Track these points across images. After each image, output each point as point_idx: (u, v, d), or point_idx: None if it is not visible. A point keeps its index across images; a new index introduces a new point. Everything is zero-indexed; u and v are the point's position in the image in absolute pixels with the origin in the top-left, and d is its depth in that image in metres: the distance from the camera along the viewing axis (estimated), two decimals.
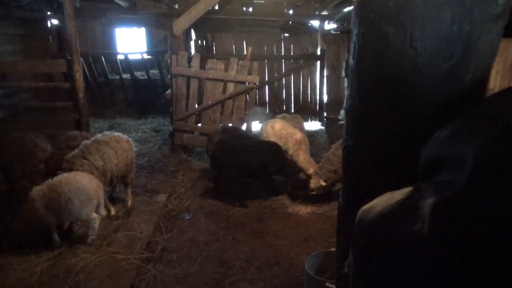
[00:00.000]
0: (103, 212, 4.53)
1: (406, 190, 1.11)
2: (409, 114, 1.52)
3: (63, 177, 4.20)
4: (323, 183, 5.58)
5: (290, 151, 6.28)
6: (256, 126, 8.31)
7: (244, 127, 7.65)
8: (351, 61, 1.67)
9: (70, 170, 4.43)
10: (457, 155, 1.03)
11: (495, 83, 5.02)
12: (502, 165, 0.90)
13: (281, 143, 6.23)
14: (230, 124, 7.49)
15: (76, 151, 4.70)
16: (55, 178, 4.21)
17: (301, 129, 7.31)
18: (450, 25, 1.38)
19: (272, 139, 6.34)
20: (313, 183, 5.75)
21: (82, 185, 4.15)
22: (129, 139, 5.29)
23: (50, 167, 4.61)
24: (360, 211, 1.19)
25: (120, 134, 5.23)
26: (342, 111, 9.80)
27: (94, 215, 4.31)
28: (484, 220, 0.88)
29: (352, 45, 1.65)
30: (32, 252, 4.12)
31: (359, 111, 1.67)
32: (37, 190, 4.11)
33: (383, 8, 1.47)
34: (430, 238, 0.91)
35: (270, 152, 5.67)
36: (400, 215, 1.03)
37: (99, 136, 4.97)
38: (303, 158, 6.16)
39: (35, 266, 3.90)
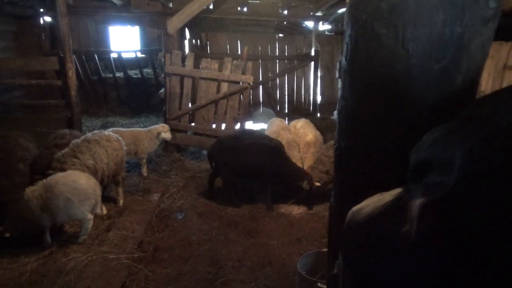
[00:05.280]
0: (99, 211, 4.50)
1: (396, 191, 1.11)
2: (400, 115, 1.52)
3: (59, 177, 4.14)
4: (318, 183, 5.57)
5: (300, 153, 6.31)
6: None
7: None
8: (343, 61, 1.67)
9: (61, 169, 4.38)
10: (446, 157, 1.03)
11: (486, 86, 5.05)
12: (490, 168, 0.90)
13: (296, 142, 6.37)
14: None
15: (66, 150, 4.65)
16: (49, 178, 4.14)
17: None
18: (442, 27, 1.38)
19: (290, 136, 6.54)
20: (305, 184, 5.75)
21: (80, 184, 4.11)
22: (120, 137, 5.26)
23: (38, 167, 4.55)
24: (349, 212, 1.19)
25: (110, 133, 5.19)
26: (335, 112, 9.84)
27: (90, 215, 4.28)
28: (472, 221, 0.88)
29: (345, 45, 1.65)
30: (22, 252, 4.08)
31: (352, 111, 1.67)
32: (31, 191, 4.03)
33: (376, 9, 1.47)
34: (418, 240, 0.91)
35: (266, 153, 5.58)
36: (389, 216, 1.03)
37: (89, 135, 4.93)
38: (307, 162, 6.14)
39: (25, 266, 3.87)
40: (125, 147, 5.33)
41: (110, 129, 6.23)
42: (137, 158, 6.51)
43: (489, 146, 0.95)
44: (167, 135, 6.72)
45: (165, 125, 6.87)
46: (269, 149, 5.60)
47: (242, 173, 5.72)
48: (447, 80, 1.45)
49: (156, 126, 6.77)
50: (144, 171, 6.54)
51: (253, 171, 5.63)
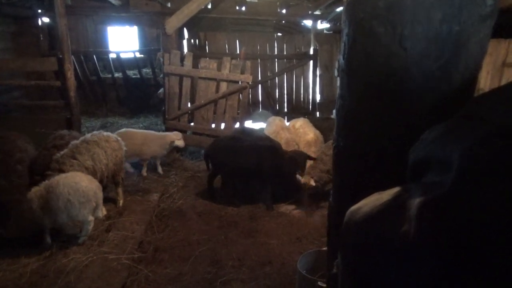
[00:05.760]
0: (100, 214, 4.48)
1: (394, 190, 1.11)
2: (398, 114, 1.52)
3: (62, 178, 4.13)
4: (313, 183, 5.55)
5: None
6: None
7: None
8: (341, 60, 1.67)
9: (60, 170, 4.38)
10: (445, 157, 1.03)
11: (485, 84, 5.05)
12: (488, 167, 0.90)
13: (295, 141, 6.34)
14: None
15: (65, 150, 4.65)
16: (52, 179, 4.14)
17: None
18: (440, 25, 1.38)
19: (288, 135, 6.48)
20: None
21: (82, 186, 4.10)
22: (119, 138, 5.26)
23: (37, 167, 4.54)
24: (348, 212, 1.19)
25: (109, 133, 5.19)
26: (334, 111, 9.81)
27: (91, 217, 4.28)
28: (470, 221, 0.88)
29: (342, 44, 1.65)
30: (22, 253, 4.07)
31: (350, 110, 1.67)
32: (34, 191, 4.03)
33: (373, 8, 1.47)
34: (416, 239, 0.91)
35: (265, 153, 5.51)
36: (388, 216, 1.03)
37: (88, 136, 4.93)
38: (309, 162, 6.11)
39: (25, 267, 3.86)
40: (124, 148, 5.33)
41: (123, 129, 6.34)
42: (141, 159, 6.58)
43: (487, 145, 0.95)
44: (180, 142, 6.76)
45: (178, 133, 6.91)
46: (267, 150, 5.56)
47: (241, 173, 5.69)
48: (445, 78, 1.45)
49: (169, 133, 6.83)
50: (144, 171, 6.57)
51: (251, 172, 5.59)
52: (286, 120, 8.26)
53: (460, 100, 1.41)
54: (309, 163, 6.01)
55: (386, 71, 1.49)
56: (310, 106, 10.19)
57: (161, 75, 8.14)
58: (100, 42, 12.22)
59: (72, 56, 6.89)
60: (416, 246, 0.92)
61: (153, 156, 6.62)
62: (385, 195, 1.10)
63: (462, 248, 0.88)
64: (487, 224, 0.87)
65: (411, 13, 1.40)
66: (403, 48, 1.43)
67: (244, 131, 6.36)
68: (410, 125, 1.49)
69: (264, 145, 5.62)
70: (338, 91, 1.77)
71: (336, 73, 9.70)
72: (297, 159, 5.49)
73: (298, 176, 5.55)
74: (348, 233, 1.14)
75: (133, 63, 11.67)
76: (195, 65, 7.72)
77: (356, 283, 1.09)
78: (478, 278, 0.88)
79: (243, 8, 8.77)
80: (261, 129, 7.48)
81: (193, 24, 8.99)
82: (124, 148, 5.33)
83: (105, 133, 5.12)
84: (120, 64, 11.29)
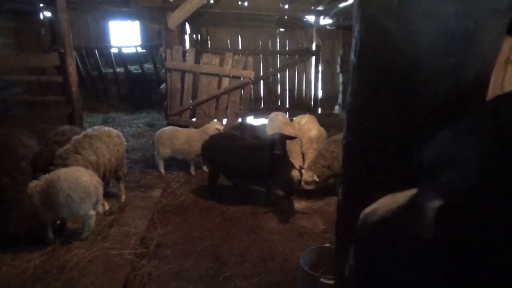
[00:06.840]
0: (100, 209, 4.48)
1: (410, 193, 1.09)
2: (410, 112, 1.49)
3: (62, 172, 4.12)
4: (316, 178, 5.55)
5: (303, 148, 6.30)
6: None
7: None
8: (352, 57, 1.64)
9: (63, 165, 4.37)
10: (459, 156, 1.01)
11: None
12: (504, 167, 0.88)
13: (299, 137, 6.31)
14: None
15: (68, 146, 4.64)
16: (52, 174, 4.13)
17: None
18: (453, 21, 1.35)
19: (293, 131, 6.44)
20: (306, 178, 5.72)
21: (83, 182, 4.10)
22: (120, 133, 5.25)
23: (39, 163, 4.53)
24: (362, 214, 1.17)
25: (110, 128, 5.18)
26: (336, 107, 9.81)
27: (92, 212, 4.27)
28: (488, 221, 0.86)
29: (354, 41, 1.62)
30: (25, 248, 4.08)
31: (360, 108, 1.65)
32: (34, 186, 4.03)
33: (385, 3, 1.44)
34: (434, 241, 0.90)
35: (258, 153, 5.32)
36: (404, 218, 1.01)
37: (89, 130, 4.92)
38: (309, 158, 6.10)
39: (28, 262, 3.87)
40: (125, 143, 5.32)
41: (167, 128, 6.46)
42: (188, 159, 6.58)
43: (502, 145, 0.93)
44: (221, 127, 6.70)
45: (216, 121, 6.87)
46: (258, 149, 5.37)
47: (237, 173, 5.61)
48: (458, 75, 1.42)
49: (209, 124, 6.72)
50: (192, 170, 6.62)
51: (246, 172, 5.47)
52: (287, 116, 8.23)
53: (473, 98, 1.39)
54: (294, 144, 5.94)
55: (397, 68, 1.46)
56: (312, 102, 10.17)
57: (163, 71, 8.11)
58: (101, 37, 12.17)
59: (74, 51, 6.85)
60: (434, 248, 0.90)
61: (198, 154, 6.49)
62: (401, 197, 1.09)
63: (480, 248, 0.87)
64: (504, 223, 0.85)
65: (424, 8, 1.37)
66: (415, 44, 1.40)
67: (241, 128, 6.32)
68: (421, 123, 1.47)
69: (258, 145, 5.43)
70: (348, 88, 1.74)
71: (338, 69, 9.69)
72: (275, 141, 5.32)
73: (296, 171, 5.52)
74: (363, 236, 1.12)
75: (135, 58, 11.62)
76: (197, 60, 7.70)
77: (370, 285, 1.08)
78: (496, 277, 0.86)
79: (246, 3, 8.74)
80: (263, 125, 7.46)
81: (195, 19, 8.95)
82: (125, 143, 5.33)
83: (106, 128, 5.11)
84: (122, 59, 11.25)
